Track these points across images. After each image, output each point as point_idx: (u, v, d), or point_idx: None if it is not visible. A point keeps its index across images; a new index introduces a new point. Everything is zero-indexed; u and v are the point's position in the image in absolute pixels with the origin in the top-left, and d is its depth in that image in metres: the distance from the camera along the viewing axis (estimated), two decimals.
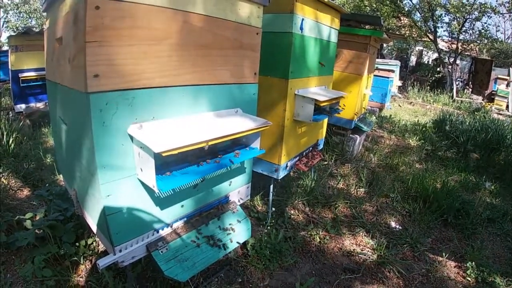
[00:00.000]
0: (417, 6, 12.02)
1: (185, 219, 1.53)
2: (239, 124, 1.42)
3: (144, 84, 1.14)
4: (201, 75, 1.35)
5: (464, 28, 11.70)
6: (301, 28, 1.95)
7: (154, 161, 1.08)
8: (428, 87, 11.87)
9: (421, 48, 17.36)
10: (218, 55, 1.40)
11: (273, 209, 2.45)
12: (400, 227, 2.56)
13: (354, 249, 2.23)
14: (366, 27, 3.63)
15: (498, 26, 19.50)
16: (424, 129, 5.65)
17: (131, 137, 1.14)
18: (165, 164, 1.28)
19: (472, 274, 2.07)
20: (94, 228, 1.40)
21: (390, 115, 6.81)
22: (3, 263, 1.77)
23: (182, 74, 1.26)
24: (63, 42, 1.24)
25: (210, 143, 1.20)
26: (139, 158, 1.16)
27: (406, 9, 12.20)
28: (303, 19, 1.94)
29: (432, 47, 14.40)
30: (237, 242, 1.68)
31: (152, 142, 1.04)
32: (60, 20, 1.27)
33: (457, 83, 12.19)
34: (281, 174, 2.20)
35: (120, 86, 1.07)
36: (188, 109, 1.34)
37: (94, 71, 0.99)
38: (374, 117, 6.23)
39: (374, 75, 5.32)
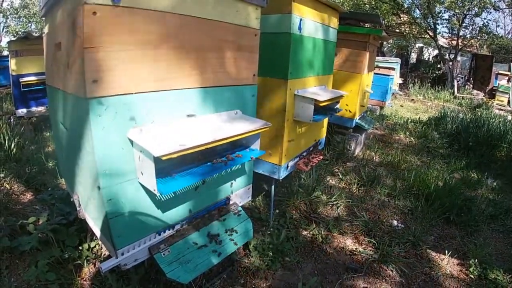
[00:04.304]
0: (417, 3, 11.99)
1: (187, 221, 1.53)
2: (239, 126, 1.42)
3: (143, 88, 1.14)
4: (200, 78, 1.35)
5: (464, 24, 11.65)
6: (300, 28, 1.95)
7: (154, 164, 1.09)
8: (429, 84, 11.83)
9: (421, 45, 17.30)
10: (217, 57, 1.40)
11: (276, 210, 2.46)
12: (402, 225, 2.56)
13: (356, 248, 2.23)
14: (365, 25, 3.63)
15: (498, 21, 19.42)
16: (425, 126, 5.63)
17: (131, 141, 1.15)
18: (165, 167, 1.29)
19: (475, 271, 2.07)
20: (96, 231, 1.41)
21: (391, 113, 6.79)
22: (7, 267, 1.78)
23: (180, 77, 1.27)
24: (62, 48, 1.24)
25: (210, 145, 1.21)
26: (140, 162, 1.16)
27: (405, 6, 12.16)
28: (301, 19, 1.94)
29: (432, 44, 14.35)
30: (239, 243, 1.69)
31: (152, 146, 1.05)
32: (58, 25, 1.28)
33: (458, 79, 12.15)
34: (282, 174, 2.20)
35: (119, 91, 1.07)
36: (187, 112, 1.34)
37: (93, 77, 0.99)
38: (375, 115, 6.22)
39: (375, 73, 5.30)
